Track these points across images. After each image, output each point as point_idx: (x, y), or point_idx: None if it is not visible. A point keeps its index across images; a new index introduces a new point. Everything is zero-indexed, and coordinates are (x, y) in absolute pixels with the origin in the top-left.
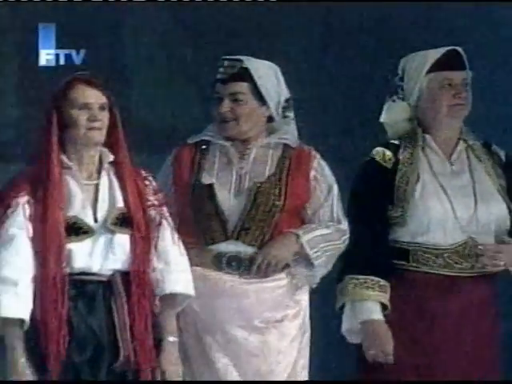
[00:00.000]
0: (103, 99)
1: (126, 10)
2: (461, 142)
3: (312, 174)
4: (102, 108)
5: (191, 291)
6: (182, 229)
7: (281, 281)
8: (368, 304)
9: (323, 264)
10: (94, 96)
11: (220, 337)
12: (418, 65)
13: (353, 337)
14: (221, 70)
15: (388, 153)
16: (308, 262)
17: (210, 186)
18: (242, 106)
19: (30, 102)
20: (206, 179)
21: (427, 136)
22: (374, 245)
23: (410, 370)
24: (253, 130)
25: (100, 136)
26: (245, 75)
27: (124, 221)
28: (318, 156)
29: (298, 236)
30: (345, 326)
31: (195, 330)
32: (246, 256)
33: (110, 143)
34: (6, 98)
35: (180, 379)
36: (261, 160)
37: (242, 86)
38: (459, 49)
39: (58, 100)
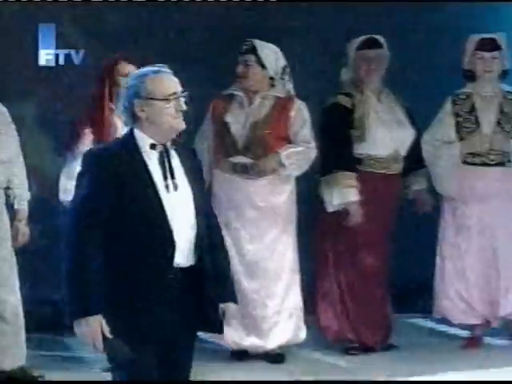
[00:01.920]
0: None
1: (125, 10)
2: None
3: (292, 113)
4: None
5: None
6: (216, 148)
7: (272, 179)
8: (353, 190)
9: (296, 168)
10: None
11: (237, 212)
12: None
13: (333, 209)
14: (242, 46)
15: (347, 98)
16: (285, 167)
17: (228, 122)
18: (250, 69)
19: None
20: (227, 118)
21: (365, 88)
22: (349, 151)
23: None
24: (257, 85)
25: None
26: (253, 50)
27: None
28: (297, 101)
29: (278, 153)
30: (334, 203)
31: (225, 209)
32: (250, 165)
33: None
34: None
35: None
36: (261, 105)
37: (251, 57)
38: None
39: None
